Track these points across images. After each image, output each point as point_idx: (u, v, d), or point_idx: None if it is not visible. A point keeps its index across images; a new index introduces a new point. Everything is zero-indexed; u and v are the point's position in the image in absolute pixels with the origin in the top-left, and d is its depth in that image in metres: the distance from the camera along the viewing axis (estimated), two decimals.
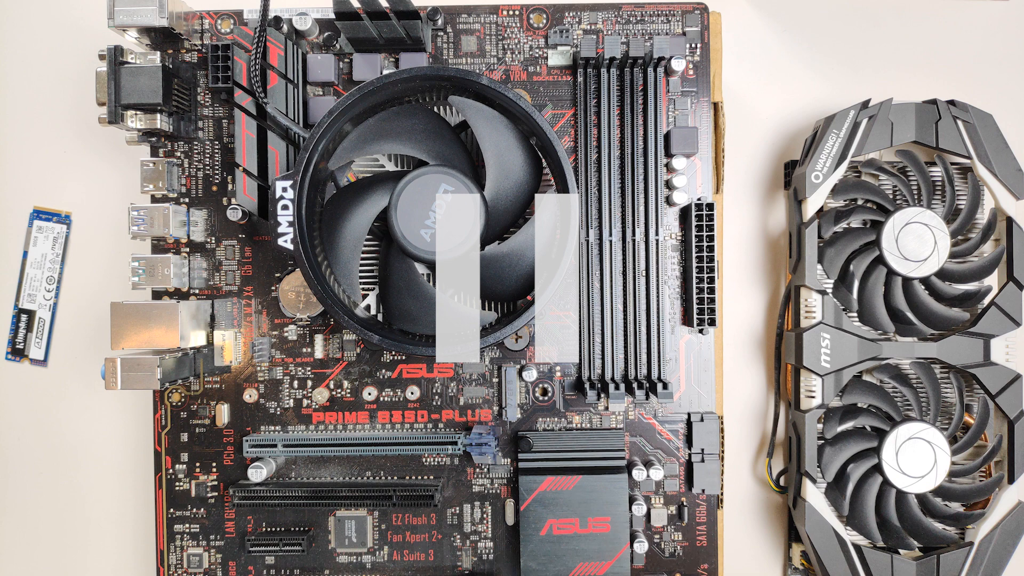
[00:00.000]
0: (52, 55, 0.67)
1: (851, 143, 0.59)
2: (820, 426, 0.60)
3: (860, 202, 0.61)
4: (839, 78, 0.67)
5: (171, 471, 0.62)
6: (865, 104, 0.60)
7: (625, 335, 0.61)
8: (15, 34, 0.68)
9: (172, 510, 0.62)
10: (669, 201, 0.61)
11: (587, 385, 0.60)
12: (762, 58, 0.67)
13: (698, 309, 0.60)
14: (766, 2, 0.67)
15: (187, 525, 0.62)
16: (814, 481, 0.60)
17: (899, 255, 0.59)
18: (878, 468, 0.59)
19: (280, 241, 0.47)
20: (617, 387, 0.59)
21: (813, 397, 0.60)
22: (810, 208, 0.60)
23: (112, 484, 0.67)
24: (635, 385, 0.59)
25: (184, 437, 0.62)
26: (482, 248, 0.51)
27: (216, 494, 0.62)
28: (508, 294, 0.53)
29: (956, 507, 0.61)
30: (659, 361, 0.60)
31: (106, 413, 0.67)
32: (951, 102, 0.60)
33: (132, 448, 0.67)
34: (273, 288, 0.62)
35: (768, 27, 0.67)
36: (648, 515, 0.62)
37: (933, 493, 0.60)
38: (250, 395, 0.62)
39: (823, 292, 0.60)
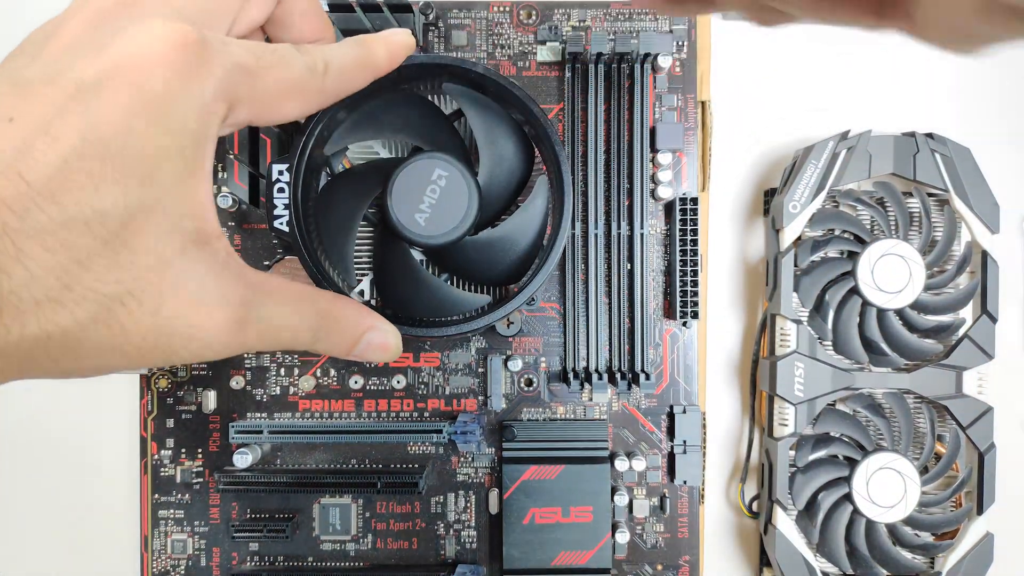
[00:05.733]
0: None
1: (829, 173, 0.59)
2: (792, 454, 0.61)
3: (837, 232, 0.61)
4: (819, 108, 0.68)
5: (157, 457, 0.62)
6: (844, 135, 0.60)
7: (609, 327, 0.61)
8: None
9: (157, 496, 0.62)
10: (654, 196, 0.62)
11: (571, 376, 0.61)
12: (744, 86, 0.68)
13: (681, 302, 0.61)
14: (749, 33, 0.68)
15: (172, 511, 0.62)
16: (785, 509, 0.61)
17: (874, 286, 0.59)
18: (848, 497, 0.60)
19: (276, 223, 0.48)
20: (600, 377, 0.60)
21: (786, 425, 0.60)
22: (787, 237, 0.60)
23: (97, 469, 0.67)
24: (618, 376, 0.60)
25: (170, 423, 0.62)
26: (476, 233, 0.52)
27: (201, 480, 0.62)
28: (501, 278, 0.54)
29: (926, 537, 0.61)
30: (643, 353, 0.61)
31: (92, 399, 0.67)
32: (929, 135, 0.61)
33: (117, 434, 0.67)
34: None
35: (751, 56, 0.68)
36: (630, 506, 0.62)
37: (903, 523, 0.60)
38: (236, 382, 0.62)
39: (798, 321, 0.60)
